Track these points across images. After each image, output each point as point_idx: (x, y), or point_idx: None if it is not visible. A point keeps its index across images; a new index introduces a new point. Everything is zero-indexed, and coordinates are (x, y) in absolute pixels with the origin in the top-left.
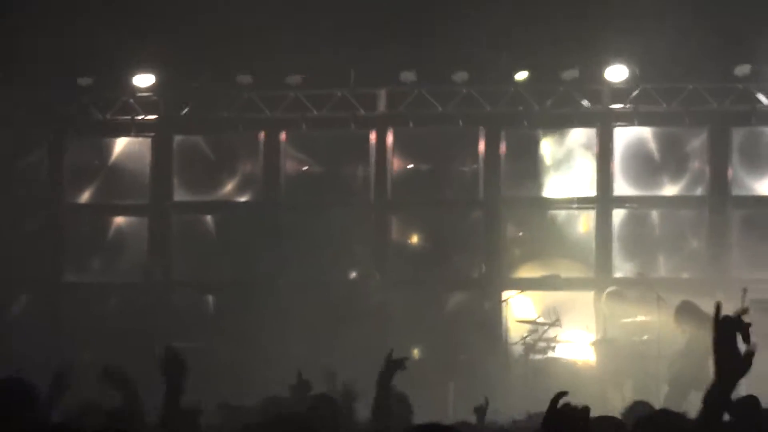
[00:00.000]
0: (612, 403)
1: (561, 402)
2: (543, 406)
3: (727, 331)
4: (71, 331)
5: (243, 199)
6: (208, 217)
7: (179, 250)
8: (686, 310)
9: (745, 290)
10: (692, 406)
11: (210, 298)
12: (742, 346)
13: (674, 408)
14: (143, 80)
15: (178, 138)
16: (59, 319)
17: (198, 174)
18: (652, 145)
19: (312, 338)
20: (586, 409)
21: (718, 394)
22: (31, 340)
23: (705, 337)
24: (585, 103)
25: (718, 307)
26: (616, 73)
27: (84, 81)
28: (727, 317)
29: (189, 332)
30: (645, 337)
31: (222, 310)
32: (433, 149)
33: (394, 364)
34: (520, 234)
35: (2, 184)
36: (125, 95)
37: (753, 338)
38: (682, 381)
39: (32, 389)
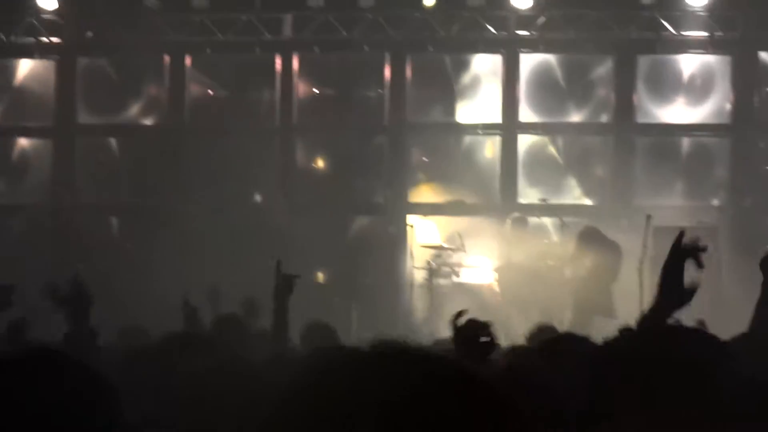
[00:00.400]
0: (516, 329)
1: (463, 320)
2: (448, 332)
3: (680, 258)
4: None
5: (147, 122)
6: (112, 140)
7: (83, 173)
8: (589, 236)
9: (649, 217)
10: (595, 331)
11: (114, 221)
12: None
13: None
14: (47, 2)
15: (82, 60)
16: None
17: (102, 97)
18: (558, 72)
19: (214, 262)
20: (487, 324)
21: (655, 320)
22: None
23: (609, 263)
24: (491, 29)
25: (680, 234)
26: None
27: None
28: (684, 245)
29: (92, 255)
30: (549, 263)
31: (125, 233)
32: (339, 74)
33: (285, 280)
34: (425, 159)
35: None
36: (29, 16)
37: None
38: (585, 306)
39: None
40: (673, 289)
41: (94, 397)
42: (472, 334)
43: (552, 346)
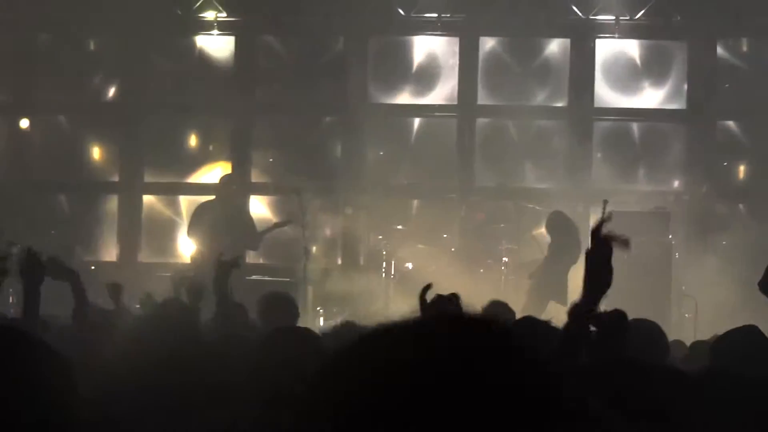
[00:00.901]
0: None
1: (430, 294)
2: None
3: (605, 243)
4: None
5: None
6: None
7: None
8: (557, 221)
9: (605, 202)
10: (547, 316)
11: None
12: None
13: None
14: None
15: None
16: None
17: None
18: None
19: None
20: (455, 296)
21: (585, 306)
22: None
23: (570, 249)
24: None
25: (602, 220)
26: None
27: None
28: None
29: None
30: (508, 246)
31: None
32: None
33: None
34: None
35: None
36: None
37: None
38: (541, 291)
39: None
40: (599, 273)
41: (47, 372)
42: (441, 307)
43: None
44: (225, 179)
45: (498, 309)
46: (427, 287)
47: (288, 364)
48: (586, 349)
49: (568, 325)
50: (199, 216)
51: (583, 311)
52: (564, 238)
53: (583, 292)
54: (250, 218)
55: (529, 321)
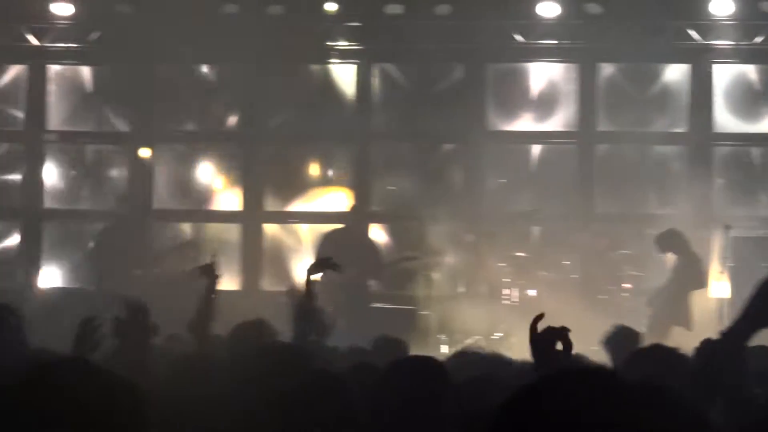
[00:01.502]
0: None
1: (540, 325)
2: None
3: (545, 340)
4: None
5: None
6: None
7: None
8: (671, 238)
9: (728, 227)
10: (672, 342)
11: None
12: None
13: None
14: None
15: None
16: None
17: None
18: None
19: None
20: (565, 330)
21: (742, 336)
22: None
23: (691, 271)
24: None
25: (536, 319)
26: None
27: None
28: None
29: None
30: (631, 272)
31: None
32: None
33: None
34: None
35: None
36: None
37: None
38: (663, 317)
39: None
40: (543, 362)
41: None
42: (550, 340)
43: (640, 359)
44: (354, 208)
45: (623, 333)
46: (539, 317)
47: (413, 393)
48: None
49: (720, 354)
50: (326, 244)
51: (739, 341)
52: (683, 258)
53: (743, 321)
54: (377, 247)
55: (659, 349)
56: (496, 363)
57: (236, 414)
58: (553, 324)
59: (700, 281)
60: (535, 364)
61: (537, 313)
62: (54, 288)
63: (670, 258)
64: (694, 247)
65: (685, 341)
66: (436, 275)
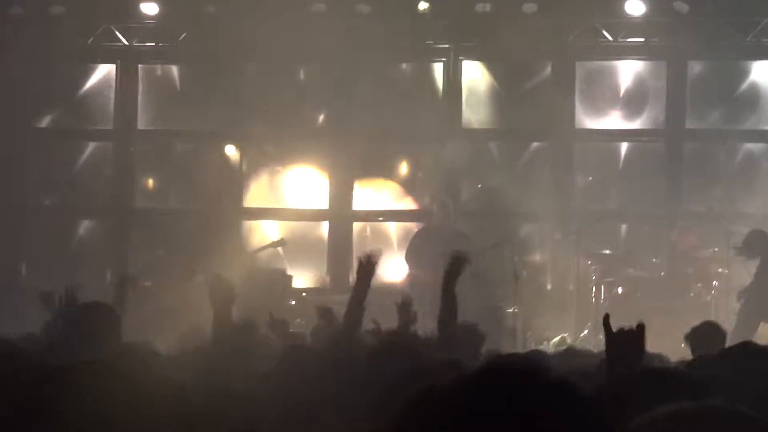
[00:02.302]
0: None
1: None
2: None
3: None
4: None
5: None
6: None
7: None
8: (756, 239)
9: None
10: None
11: None
12: None
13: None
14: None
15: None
16: None
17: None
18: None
19: None
20: (641, 326)
21: None
22: None
23: None
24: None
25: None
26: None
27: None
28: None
29: None
30: (719, 270)
31: None
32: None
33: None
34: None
35: None
36: None
37: None
38: (750, 313)
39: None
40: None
41: None
42: (624, 338)
43: (730, 356)
44: (441, 202)
45: (710, 329)
46: (606, 317)
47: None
48: None
49: None
50: (417, 241)
51: None
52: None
53: None
54: (469, 238)
55: (749, 347)
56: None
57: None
58: (635, 321)
59: None
60: (607, 361)
61: (624, 310)
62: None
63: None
64: None
65: None
66: (524, 273)
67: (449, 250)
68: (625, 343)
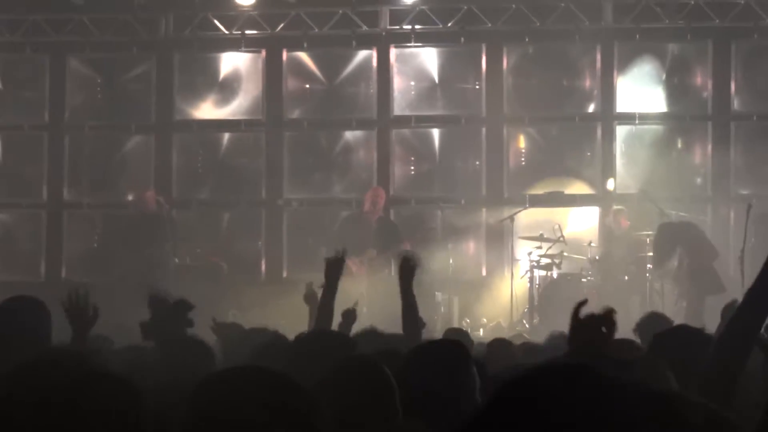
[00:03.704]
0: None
1: (583, 312)
2: (551, 323)
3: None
4: None
5: (242, 117)
6: (211, 136)
7: (182, 171)
8: (665, 228)
9: (749, 206)
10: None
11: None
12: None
13: (695, 317)
14: None
15: (180, 56)
16: None
17: (198, 93)
18: (658, 62)
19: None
20: (610, 312)
21: None
22: None
23: (701, 243)
24: (583, 19)
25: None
26: None
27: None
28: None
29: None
30: (650, 253)
31: (233, 228)
32: (435, 67)
33: (410, 264)
34: (522, 150)
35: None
36: (127, 13)
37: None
38: (696, 289)
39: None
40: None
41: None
42: (594, 325)
43: (666, 340)
44: (373, 190)
45: (656, 319)
46: (582, 303)
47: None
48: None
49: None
50: (344, 228)
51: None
52: (687, 237)
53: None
54: (394, 230)
55: (684, 329)
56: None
57: None
58: (572, 304)
59: (712, 248)
60: (575, 345)
61: (559, 294)
62: None
63: None
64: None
65: None
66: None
67: (376, 238)
68: (594, 328)
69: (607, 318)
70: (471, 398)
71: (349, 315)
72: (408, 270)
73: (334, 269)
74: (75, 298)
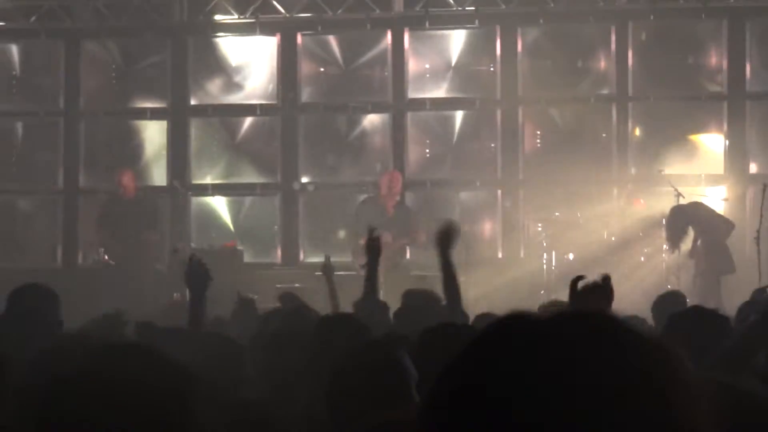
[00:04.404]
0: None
1: (580, 285)
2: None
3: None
4: None
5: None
6: (226, 120)
7: (198, 155)
8: (674, 216)
9: (765, 186)
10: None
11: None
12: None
13: (711, 296)
14: None
15: (195, 41)
16: None
17: (212, 77)
18: (669, 41)
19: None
20: (606, 279)
21: None
22: None
23: (712, 222)
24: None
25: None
26: None
27: None
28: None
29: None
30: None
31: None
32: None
33: (450, 233)
34: (537, 132)
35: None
36: None
37: None
38: (709, 269)
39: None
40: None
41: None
42: (593, 294)
43: (680, 320)
44: (389, 174)
45: (673, 297)
46: (579, 278)
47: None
48: None
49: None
50: (362, 211)
51: None
52: (696, 216)
53: None
54: (411, 216)
55: (697, 310)
56: None
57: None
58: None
59: (727, 227)
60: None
61: (575, 275)
62: None
63: None
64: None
65: None
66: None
67: (392, 224)
68: (593, 297)
69: (604, 285)
70: None
71: (374, 246)
72: (447, 238)
73: (373, 249)
74: (195, 263)
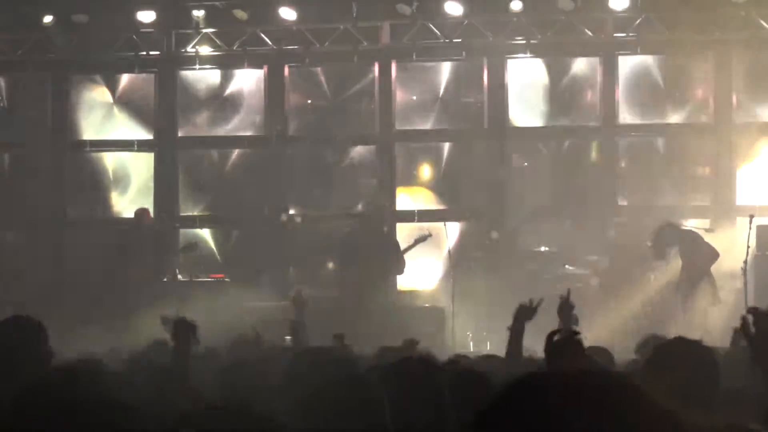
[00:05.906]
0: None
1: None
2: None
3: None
4: None
5: (247, 133)
6: (213, 153)
7: (186, 187)
8: (667, 231)
9: (752, 216)
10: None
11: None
12: None
13: (697, 326)
14: (145, 15)
15: (182, 73)
16: None
17: (200, 109)
18: (657, 74)
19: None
20: (572, 334)
21: None
22: None
23: (701, 252)
24: (587, 32)
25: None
26: (618, 1)
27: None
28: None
29: None
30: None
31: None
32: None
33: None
34: (525, 165)
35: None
36: (128, 32)
37: None
38: (697, 299)
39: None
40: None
41: None
42: (567, 348)
43: (664, 354)
44: (376, 206)
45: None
46: (554, 332)
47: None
48: None
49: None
50: (348, 244)
51: None
52: (685, 244)
53: None
54: (396, 250)
55: (682, 342)
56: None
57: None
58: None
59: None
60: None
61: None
62: None
63: None
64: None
65: None
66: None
67: (379, 255)
68: (567, 349)
69: (577, 340)
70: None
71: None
72: (528, 313)
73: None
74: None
